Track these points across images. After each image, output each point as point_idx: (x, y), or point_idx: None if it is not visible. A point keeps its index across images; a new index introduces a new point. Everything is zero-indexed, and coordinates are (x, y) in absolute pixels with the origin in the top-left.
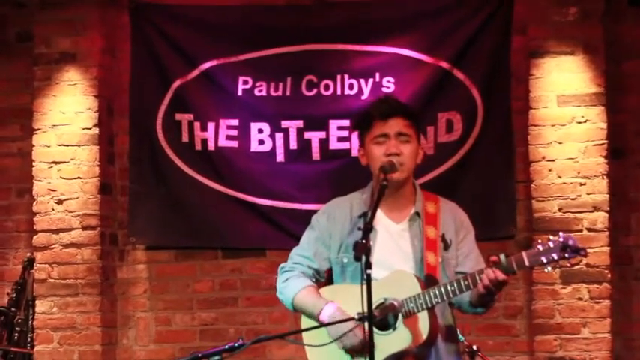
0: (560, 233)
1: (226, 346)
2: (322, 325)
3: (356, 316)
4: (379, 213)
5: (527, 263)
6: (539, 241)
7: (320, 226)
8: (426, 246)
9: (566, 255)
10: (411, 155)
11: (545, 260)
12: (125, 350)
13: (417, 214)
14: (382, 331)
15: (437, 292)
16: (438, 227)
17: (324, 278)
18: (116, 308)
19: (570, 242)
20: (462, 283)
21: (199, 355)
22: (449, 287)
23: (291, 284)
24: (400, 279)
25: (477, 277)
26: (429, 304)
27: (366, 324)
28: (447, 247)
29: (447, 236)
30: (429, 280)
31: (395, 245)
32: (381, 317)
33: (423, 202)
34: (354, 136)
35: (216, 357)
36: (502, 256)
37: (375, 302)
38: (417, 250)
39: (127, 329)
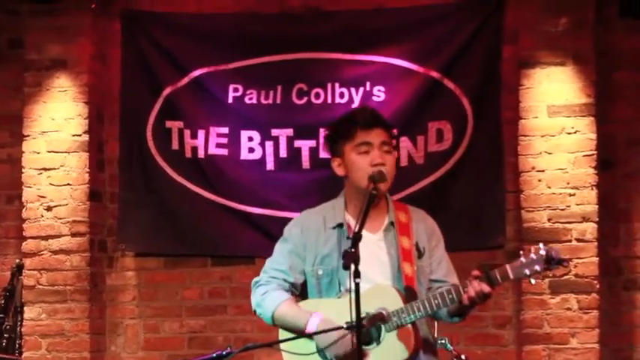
0: (542, 245)
1: (214, 355)
2: (312, 334)
3: (344, 325)
4: (353, 223)
5: (511, 276)
6: (522, 253)
7: (293, 238)
8: (402, 257)
9: (550, 267)
10: (393, 166)
11: (528, 272)
12: (113, 357)
13: (392, 223)
14: (366, 345)
15: (421, 306)
16: (411, 236)
17: (299, 292)
18: (105, 315)
19: (553, 254)
20: (447, 296)
21: None
22: (433, 301)
23: (271, 298)
24: (381, 293)
25: (462, 291)
26: (413, 318)
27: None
28: (420, 255)
29: (420, 245)
30: (408, 292)
31: (372, 256)
32: (370, 327)
33: (395, 212)
34: None
35: None
36: (486, 269)
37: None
38: (394, 260)
39: (115, 336)
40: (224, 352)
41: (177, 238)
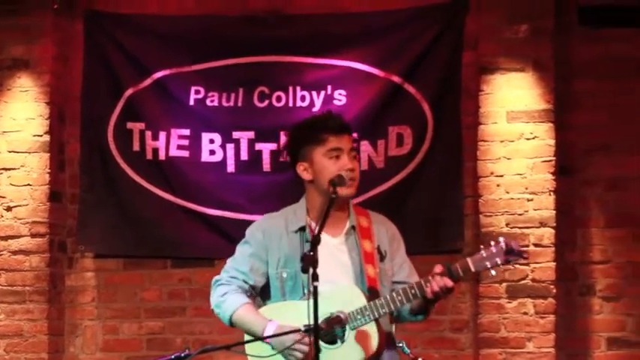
0: (501, 238)
1: (172, 356)
2: (270, 336)
3: (302, 328)
4: (315, 228)
5: (472, 269)
6: (482, 246)
7: (256, 241)
8: (365, 259)
9: (510, 259)
10: (359, 171)
11: (489, 265)
12: (72, 359)
13: (353, 227)
14: (331, 345)
15: (384, 303)
16: (373, 240)
17: (258, 294)
18: (64, 316)
19: (513, 245)
20: (409, 292)
21: None
22: (396, 297)
23: (230, 299)
24: (345, 293)
25: (424, 286)
26: (377, 315)
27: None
28: (382, 258)
29: (382, 248)
30: (371, 293)
31: (334, 259)
32: (327, 330)
33: (356, 216)
34: None
35: None
36: (447, 264)
37: (322, 317)
38: (356, 263)
39: (74, 337)
40: (182, 354)
41: (137, 239)
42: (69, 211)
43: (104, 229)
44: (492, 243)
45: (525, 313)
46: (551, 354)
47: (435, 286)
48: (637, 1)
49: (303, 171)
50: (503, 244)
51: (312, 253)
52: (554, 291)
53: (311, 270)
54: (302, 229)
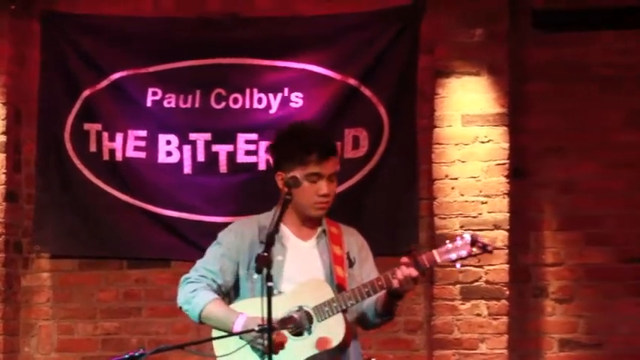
0: (466, 232)
1: (127, 356)
2: (229, 334)
3: (256, 328)
4: (288, 232)
5: (438, 260)
6: (448, 240)
7: (228, 242)
8: (334, 261)
9: (474, 251)
10: (335, 194)
11: (454, 257)
12: (27, 359)
13: (324, 231)
14: (297, 336)
15: (351, 295)
16: (343, 246)
17: (226, 295)
18: (19, 316)
19: (478, 238)
20: (376, 283)
21: None
22: (363, 289)
23: (200, 295)
24: (313, 286)
25: (390, 277)
26: (344, 307)
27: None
28: (351, 264)
29: (351, 255)
30: (340, 291)
31: (305, 261)
32: (280, 328)
33: (327, 225)
34: (262, 150)
35: None
36: (414, 255)
37: (290, 310)
38: (327, 264)
39: (29, 337)
40: (136, 354)
41: (92, 240)
42: (25, 212)
43: (60, 230)
44: (458, 236)
45: (479, 315)
46: (504, 355)
47: (400, 274)
48: (590, 6)
49: (280, 180)
50: (468, 238)
51: (266, 254)
52: (508, 293)
53: (265, 270)
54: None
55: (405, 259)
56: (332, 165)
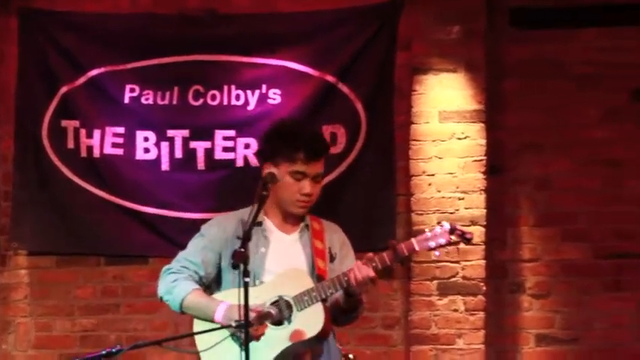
0: (445, 222)
1: (103, 352)
2: (206, 331)
3: (233, 324)
4: (271, 225)
5: (417, 248)
6: (427, 228)
7: (211, 234)
8: (316, 254)
9: (452, 239)
10: (319, 194)
11: (433, 245)
12: (4, 356)
13: (307, 226)
14: (277, 325)
15: (330, 284)
16: (324, 241)
17: (207, 286)
18: None
19: (457, 226)
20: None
21: None
22: (342, 277)
23: (181, 285)
24: (292, 276)
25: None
26: (323, 296)
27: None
28: (332, 259)
29: (333, 250)
30: (319, 281)
31: (287, 254)
32: (258, 324)
33: (310, 220)
34: (240, 146)
35: None
36: (393, 244)
37: (270, 300)
38: (309, 257)
39: (6, 334)
40: (113, 350)
41: (70, 236)
42: (2, 209)
43: (37, 227)
44: (437, 225)
45: (456, 310)
46: (481, 350)
47: (359, 275)
48: (567, 4)
49: (265, 169)
50: (447, 226)
51: (242, 250)
52: (484, 288)
53: (242, 266)
54: (259, 223)
55: (369, 255)
56: (318, 166)
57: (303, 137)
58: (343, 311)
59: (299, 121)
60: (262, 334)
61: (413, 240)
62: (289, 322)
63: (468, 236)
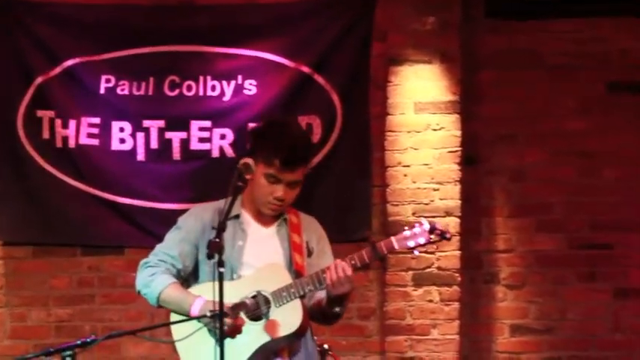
0: (424, 219)
1: (78, 342)
2: (181, 321)
3: (208, 314)
4: (248, 218)
5: (396, 247)
6: (406, 227)
7: (187, 226)
8: (293, 248)
9: (432, 238)
10: (293, 199)
11: (413, 244)
12: None
13: (285, 220)
14: (255, 321)
15: (309, 280)
16: (302, 235)
17: (185, 279)
18: None
19: (436, 225)
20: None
21: (51, 350)
22: (321, 274)
23: (158, 279)
24: (271, 271)
25: (349, 262)
26: (302, 292)
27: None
28: (310, 254)
29: (310, 244)
30: (297, 277)
31: (264, 248)
32: (232, 315)
33: (287, 214)
34: (215, 137)
35: (69, 352)
36: (372, 243)
37: (248, 295)
38: (286, 251)
39: None
40: (88, 339)
41: (46, 227)
42: None
43: (13, 217)
44: (416, 224)
45: (430, 301)
46: (456, 341)
47: (335, 275)
48: None
49: (245, 161)
50: (426, 225)
51: (217, 240)
52: (459, 279)
53: (217, 256)
54: (236, 216)
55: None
56: (294, 175)
57: (283, 144)
58: (324, 314)
59: (288, 122)
60: (240, 326)
61: (392, 239)
62: (267, 317)
63: (447, 235)
